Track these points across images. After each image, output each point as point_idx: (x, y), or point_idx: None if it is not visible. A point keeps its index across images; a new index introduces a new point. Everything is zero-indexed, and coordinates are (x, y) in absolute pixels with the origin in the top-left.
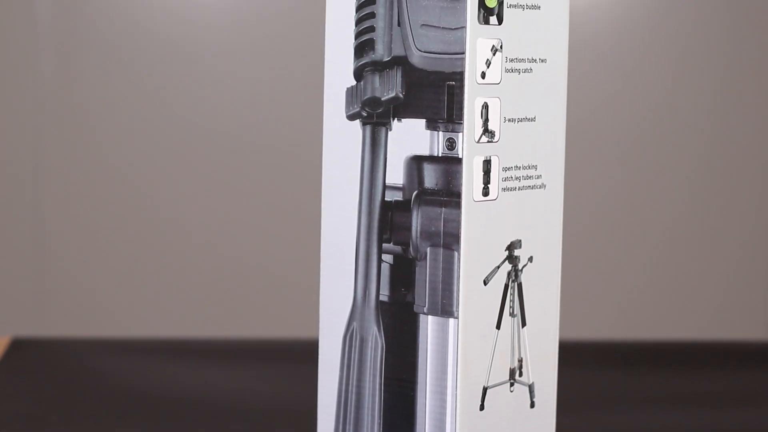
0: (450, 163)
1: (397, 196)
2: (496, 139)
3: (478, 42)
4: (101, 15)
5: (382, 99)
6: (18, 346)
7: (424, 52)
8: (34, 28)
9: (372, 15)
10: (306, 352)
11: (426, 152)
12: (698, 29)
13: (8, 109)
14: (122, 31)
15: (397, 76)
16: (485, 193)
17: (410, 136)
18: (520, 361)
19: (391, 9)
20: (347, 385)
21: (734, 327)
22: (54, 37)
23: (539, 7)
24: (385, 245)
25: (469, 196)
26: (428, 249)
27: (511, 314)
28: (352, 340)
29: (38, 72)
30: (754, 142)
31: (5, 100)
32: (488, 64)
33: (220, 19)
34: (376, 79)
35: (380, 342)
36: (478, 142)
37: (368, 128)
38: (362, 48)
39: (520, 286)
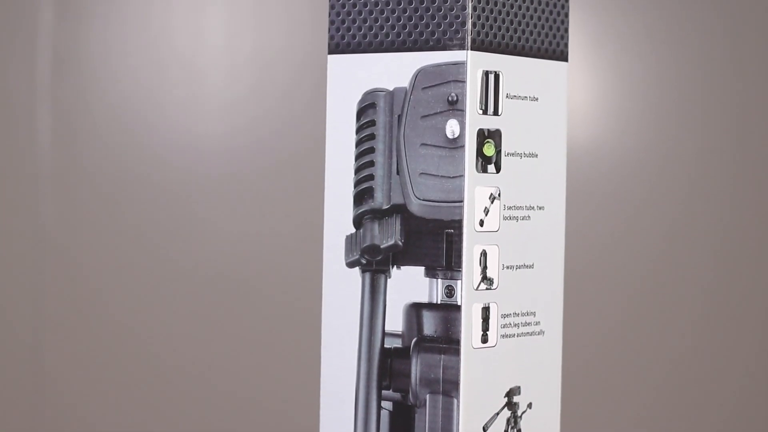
0: (449, 311)
1: (397, 343)
2: (494, 286)
3: (476, 190)
4: (102, 165)
5: (381, 247)
6: None
7: (423, 200)
8: (35, 182)
9: (371, 163)
10: None
11: (425, 299)
12: (700, 178)
13: (7, 255)
14: (120, 180)
15: (396, 224)
16: (484, 340)
17: (409, 284)
18: None
19: (390, 158)
20: None
21: None
22: (53, 188)
23: (537, 155)
24: (384, 392)
25: (468, 343)
26: (428, 396)
27: None
28: None
29: (37, 219)
30: (757, 297)
31: (3, 243)
32: (486, 211)
33: (218, 169)
34: (375, 226)
35: None
36: (476, 289)
37: (367, 275)
38: (361, 196)
39: None
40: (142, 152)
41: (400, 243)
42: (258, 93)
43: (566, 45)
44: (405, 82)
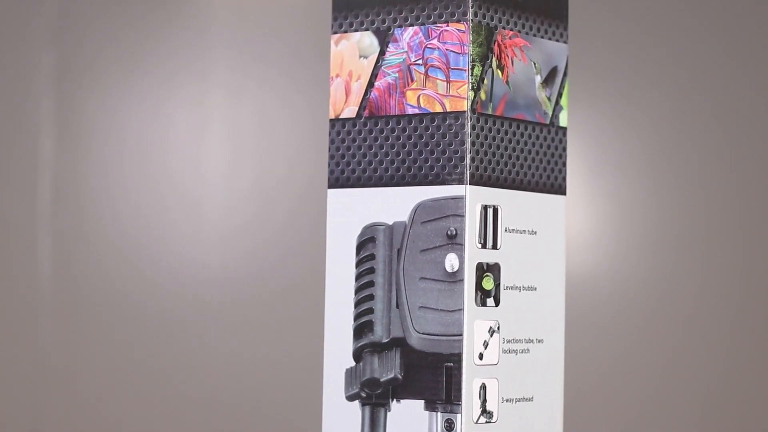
0: None
1: None
2: (494, 419)
3: (475, 324)
4: (102, 294)
5: (381, 380)
6: None
7: (423, 333)
8: (35, 309)
9: (371, 297)
10: None
11: None
12: (699, 308)
13: (7, 381)
14: (119, 308)
15: (395, 358)
16: None
17: (409, 417)
18: None
19: (390, 291)
20: None
21: None
22: (53, 315)
23: (536, 288)
24: None
25: None
26: None
27: None
28: None
29: (37, 346)
30: (756, 425)
31: (3, 369)
32: (486, 345)
33: (217, 300)
34: (375, 360)
35: None
36: (476, 422)
37: (367, 409)
38: (361, 329)
39: None
40: (141, 281)
41: (399, 376)
42: (258, 225)
43: (564, 179)
44: (404, 216)
